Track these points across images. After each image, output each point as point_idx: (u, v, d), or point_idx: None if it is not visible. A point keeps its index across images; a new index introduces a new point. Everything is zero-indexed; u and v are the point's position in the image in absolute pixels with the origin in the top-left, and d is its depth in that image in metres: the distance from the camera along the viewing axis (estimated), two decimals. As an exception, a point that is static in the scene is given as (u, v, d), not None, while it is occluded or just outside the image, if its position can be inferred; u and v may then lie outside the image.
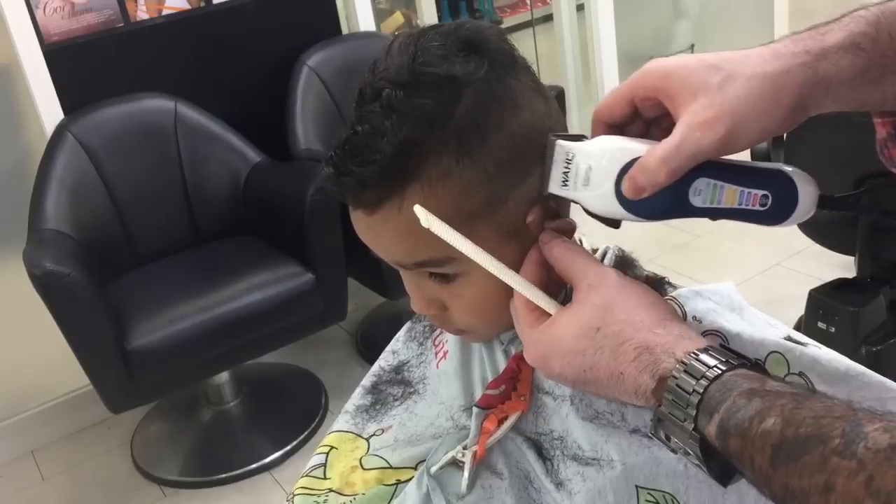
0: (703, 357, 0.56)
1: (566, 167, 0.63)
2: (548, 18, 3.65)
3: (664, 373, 0.56)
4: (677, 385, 0.55)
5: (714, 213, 0.63)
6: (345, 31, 2.87)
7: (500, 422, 0.74)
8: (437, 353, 0.87)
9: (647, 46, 3.55)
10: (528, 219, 0.66)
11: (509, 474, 0.74)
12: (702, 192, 0.61)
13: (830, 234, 2.02)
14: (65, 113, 2.33)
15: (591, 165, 0.62)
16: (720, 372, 0.54)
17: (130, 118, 2.39)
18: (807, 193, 0.63)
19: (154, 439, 2.60)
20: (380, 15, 3.86)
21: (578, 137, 0.64)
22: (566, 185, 0.63)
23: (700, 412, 0.54)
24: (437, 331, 0.88)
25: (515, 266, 0.66)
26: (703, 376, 0.54)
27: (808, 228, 2.05)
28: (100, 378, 2.07)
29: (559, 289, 0.70)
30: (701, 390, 0.54)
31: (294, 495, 0.85)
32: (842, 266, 2.37)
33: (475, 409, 0.76)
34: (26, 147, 2.43)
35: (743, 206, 0.62)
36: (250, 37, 2.64)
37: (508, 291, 0.67)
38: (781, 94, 0.58)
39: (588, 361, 0.60)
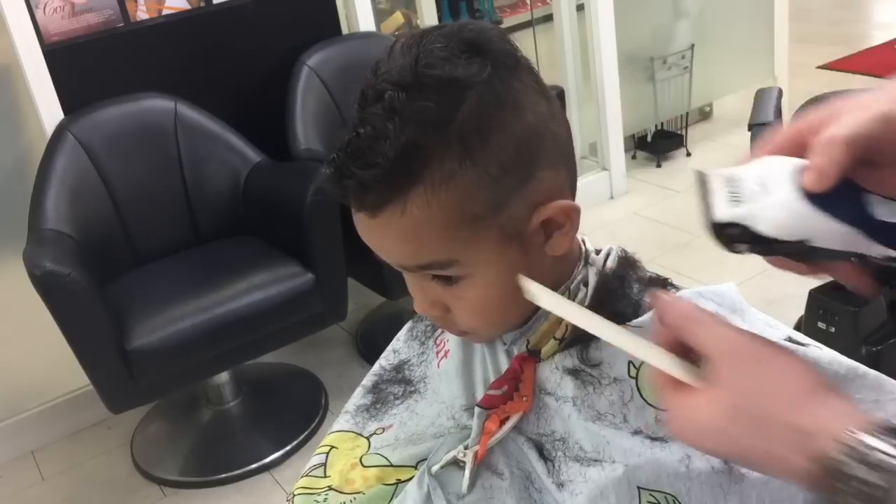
0: (867, 439, 0.50)
1: (732, 186, 0.57)
2: (548, 18, 3.63)
3: (822, 455, 0.51)
4: (846, 471, 0.50)
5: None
6: (345, 31, 2.87)
7: (502, 422, 0.74)
8: (438, 353, 0.87)
9: (647, 46, 3.54)
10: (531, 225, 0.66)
11: (510, 474, 0.74)
12: (876, 204, 0.56)
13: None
14: (65, 113, 2.33)
15: (760, 174, 0.56)
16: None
17: (130, 118, 2.39)
18: None
19: (154, 439, 2.60)
20: (380, 15, 3.85)
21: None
22: (736, 202, 0.56)
23: None
24: (439, 330, 0.88)
25: (517, 269, 0.66)
26: (878, 467, 0.49)
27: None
28: (100, 378, 2.07)
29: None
30: (879, 482, 0.48)
31: (294, 495, 0.85)
32: (841, 266, 2.37)
33: (477, 409, 0.76)
34: (26, 147, 2.43)
35: None
36: (250, 37, 2.64)
37: (511, 293, 0.67)
38: None
39: (735, 442, 0.56)
